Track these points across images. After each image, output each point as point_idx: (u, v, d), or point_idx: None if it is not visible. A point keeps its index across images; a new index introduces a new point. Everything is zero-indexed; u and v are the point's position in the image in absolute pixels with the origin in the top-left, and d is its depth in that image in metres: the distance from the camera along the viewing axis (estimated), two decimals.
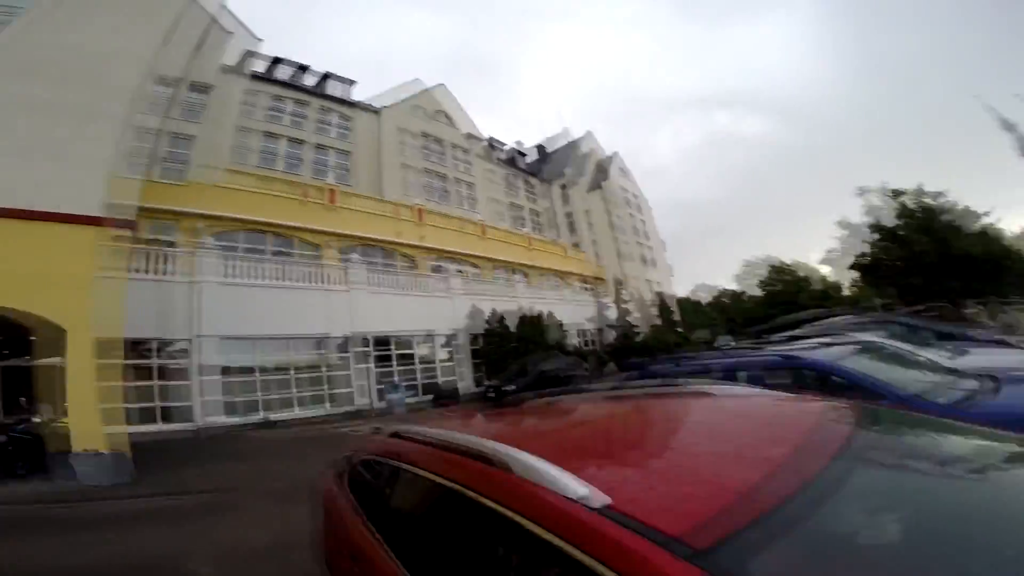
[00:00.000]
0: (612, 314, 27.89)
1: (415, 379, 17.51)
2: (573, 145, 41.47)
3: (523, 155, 39.73)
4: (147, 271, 12.20)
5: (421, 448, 1.63)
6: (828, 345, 4.76)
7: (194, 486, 7.37)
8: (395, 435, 1.96)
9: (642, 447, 1.39)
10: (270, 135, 21.60)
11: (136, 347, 11.61)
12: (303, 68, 25.28)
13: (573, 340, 23.99)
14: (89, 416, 7.69)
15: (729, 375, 4.36)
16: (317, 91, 25.13)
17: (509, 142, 38.14)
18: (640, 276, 35.41)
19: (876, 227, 23.82)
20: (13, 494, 6.80)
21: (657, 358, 12.53)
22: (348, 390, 15.56)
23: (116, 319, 8.20)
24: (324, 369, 15.34)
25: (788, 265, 42.06)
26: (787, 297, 38.67)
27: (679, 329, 32.48)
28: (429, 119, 28.96)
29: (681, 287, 47.67)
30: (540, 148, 44.50)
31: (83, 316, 7.76)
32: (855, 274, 29.36)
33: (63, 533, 5.39)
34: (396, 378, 16.73)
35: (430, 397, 17.14)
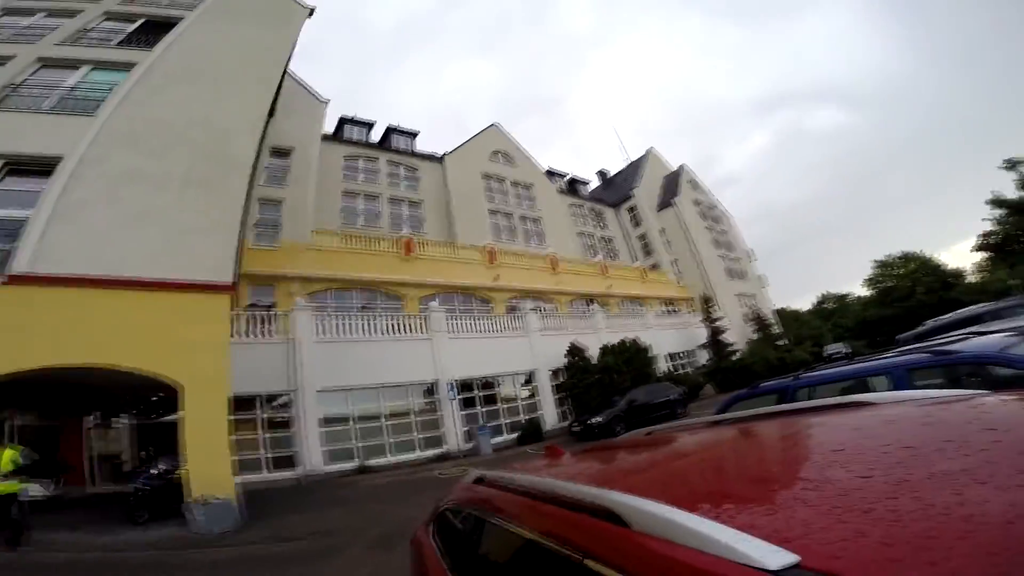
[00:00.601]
0: (702, 334, 26.01)
1: (499, 419, 17.26)
2: (635, 165, 40.73)
3: (585, 183, 39.69)
4: (250, 333, 13.27)
5: (506, 496, 1.46)
6: (974, 335, 3.91)
7: (297, 532, 7.55)
8: (479, 481, 1.83)
9: (811, 480, 0.92)
10: (349, 193, 23.29)
11: (244, 402, 12.48)
12: (368, 125, 27.53)
13: (662, 365, 22.54)
14: (202, 466, 8.18)
15: (861, 384, 3.64)
16: (385, 146, 27.08)
17: (570, 172, 38.46)
18: (728, 291, 33.00)
19: (998, 202, 20.53)
20: (130, 541, 7.24)
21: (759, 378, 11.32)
22: (436, 434, 15.70)
23: (225, 376, 8.76)
24: (412, 415, 15.59)
25: (904, 257, 37.56)
26: (902, 293, 34.35)
27: (780, 343, 29.61)
28: (489, 160, 29.84)
29: (788, 298, 44.05)
30: (602, 174, 44.25)
31: (197, 374, 8.42)
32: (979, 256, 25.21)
33: None
34: (481, 419, 16.58)
35: (515, 436, 16.78)
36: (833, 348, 28.01)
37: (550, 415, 18.20)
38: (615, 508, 0.84)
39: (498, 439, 16.28)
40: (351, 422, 14.38)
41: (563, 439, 16.07)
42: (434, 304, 17.80)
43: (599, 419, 15.09)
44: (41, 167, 9.19)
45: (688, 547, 0.68)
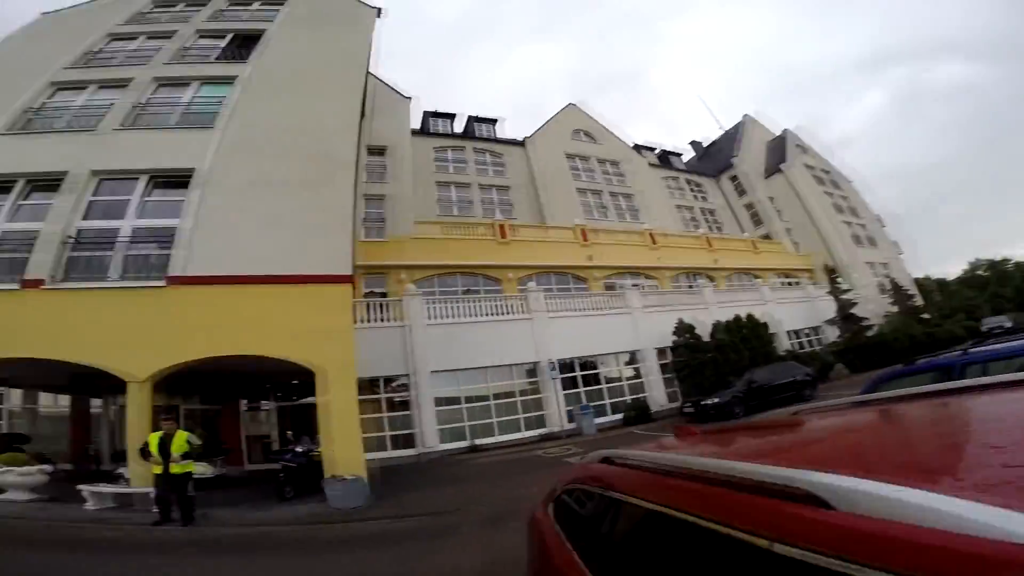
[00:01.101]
0: (829, 308, 23.25)
1: (603, 400, 16.86)
2: (731, 133, 37.66)
3: (677, 155, 37.57)
4: (369, 319, 14.24)
5: (649, 477, 1.37)
6: None
7: (415, 509, 7.86)
8: (606, 461, 1.74)
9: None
10: (442, 184, 24.21)
11: (368, 385, 13.45)
12: (451, 116, 28.44)
13: (784, 343, 20.54)
14: (337, 446, 8.79)
15: None
16: (468, 135, 27.72)
17: (659, 145, 36.59)
18: (857, 259, 29.22)
19: None
20: (279, 516, 7.80)
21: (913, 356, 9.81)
22: (539, 414, 15.74)
23: (353, 360, 9.33)
24: (516, 395, 15.75)
25: None
26: None
27: (925, 316, 25.67)
28: (571, 139, 29.32)
29: (928, 266, 38.46)
30: (695, 145, 41.61)
31: (329, 359, 9.05)
32: None
33: (310, 553, 5.93)
34: (583, 400, 16.28)
35: (619, 417, 16.31)
36: (993, 322, 23.65)
37: (658, 395, 17.43)
38: (815, 489, 0.79)
39: (602, 419, 15.95)
40: (461, 402, 14.89)
41: (673, 421, 15.30)
42: (532, 284, 17.71)
43: (715, 400, 14.16)
44: (179, 178, 10.18)
45: (924, 527, 0.61)
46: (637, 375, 17.84)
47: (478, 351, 15.22)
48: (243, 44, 13.77)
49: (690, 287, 22.74)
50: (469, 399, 15.04)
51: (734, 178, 34.18)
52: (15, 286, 8.90)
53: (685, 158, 38.99)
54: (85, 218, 9.69)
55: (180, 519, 6.99)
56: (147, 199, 10.04)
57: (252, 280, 9.23)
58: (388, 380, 14.36)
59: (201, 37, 14.19)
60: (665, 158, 36.00)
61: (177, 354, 8.66)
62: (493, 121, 29.51)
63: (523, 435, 15.18)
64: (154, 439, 6.92)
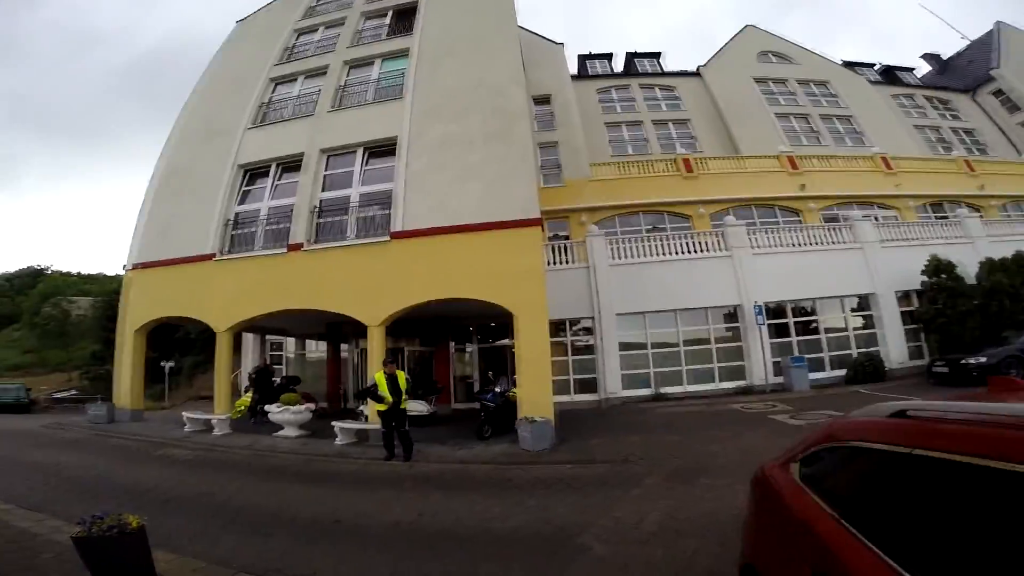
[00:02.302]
0: None
1: (820, 352, 14.47)
2: (981, 43, 29.65)
3: (909, 70, 30.04)
4: (554, 262, 14.42)
5: (986, 432, 1.16)
6: None
7: (599, 456, 7.76)
8: (899, 415, 1.55)
9: None
10: (612, 124, 23.31)
11: (554, 327, 13.49)
12: (607, 56, 27.27)
13: None
14: (530, 388, 9.23)
15: None
16: (631, 73, 26.03)
17: (877, 61, 30.00)
18: None
19: None
20: (478, 455, 8.31)
21: None
22: (738, 364, 14.28)
23: (545, 302, 9.62)
24: (712, 343, 14.52)
25: None
26: None
27: None
28: (757, 63, 25.62)
29: None
30: (932, 58, 32.74)
31: (524, 301, 9.46)
32: None
33: (500, 493, 6.13)
34: (796, 351, 14.19)
35: (840, 374, 13.80)
36: None
37: (895, 350, 14.19)
38: None
39: (817, 375, 13.77)
40: (647, 348, 14.32)
41: (913, 382, 12.53)
42: (729, 219, 15.69)
43: (981, 360, 11.13)
44: (386, 147, 11.50)
45: None
46: (868, 324, 14.79)
47: (667, 293, 14.25)
48: (402, 17, 14.64)
49: (943, 218, 17.85)
50: (656, 344, 14.36)
51: (998, 92, 26.21)
52: (283, 250, 11.18)
53: (919, 74, 30.92)
54: (323, 190, 11.61)
55: (402, 455, 7.91)
56: (366, 168, 11.58)
57: (455, 230, 10.08)
58: (572, 323, 14.52)
59: (367, 19, 15.35)
60: (890, 74, 28.81)
61: (403, 299, 9.99)
62: (655, 55, 27.13)
63: (716, 386, 14.01)
64: (382, 379, 7.87)
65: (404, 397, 7.88)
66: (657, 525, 4.63)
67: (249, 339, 19.04)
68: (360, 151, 11.76)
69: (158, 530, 4.57)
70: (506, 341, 15.15)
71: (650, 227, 18.09)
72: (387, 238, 10.53)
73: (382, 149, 11.69)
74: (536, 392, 9.15)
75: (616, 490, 5.89)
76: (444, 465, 7.68)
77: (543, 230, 10.20)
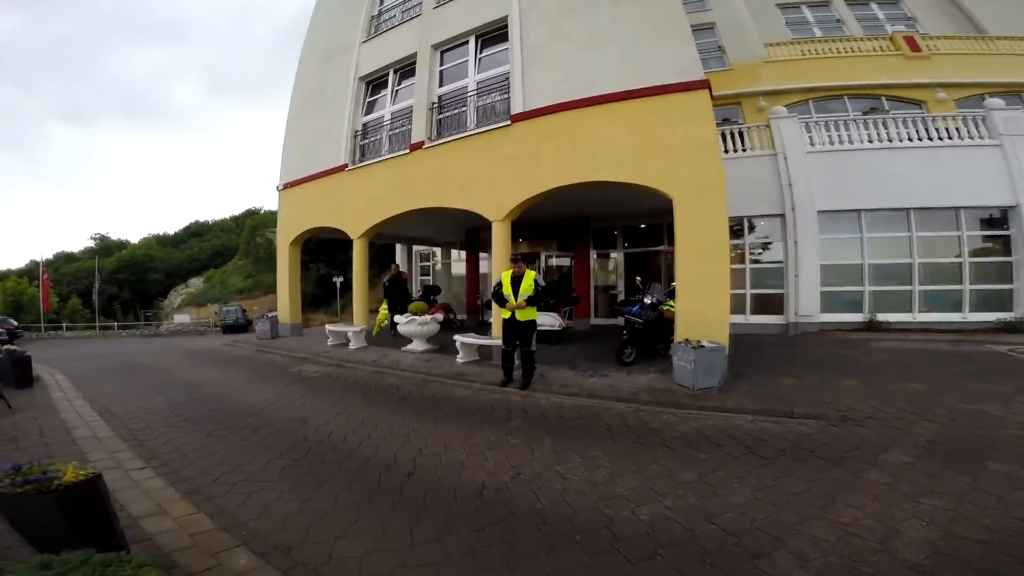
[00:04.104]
0: None
1: None
2: None
3: None
4: (728, 150, 11.36)
5: None
6: None
7: (796, 405, 5.23)
8: None
9: None
10: (786, 6, 17.43)
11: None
12: None
13: None
14: (693, 300, 6.94)
15: None
16: None
17: None
18: None
19: None
20: (614, 386, 6.44)
21: None
22: (1002, 288, 10.06)
23: (721, 180, 7.02)
24: (961, 256, 10.24)
25: None
26: None
27: None
28: None
29: None
30: None
31: (688, 180, 7.09)
32: None
33: (640, 454, 4.25)
34: None
35: None
36: None
37: None
38: None
39: None
40: (862, 257, 10.62)
41: None
42: (995, 101, 10.74)
43: None
44: (497, 30, 9.89)
45: None
46: None
47: (894, 187, 10.30)
48: None
49: None
50: (875, 253, 10.60)
51: None
52: (406, 151, 10.59)
53: None
54: (440, 86, 10.64)
55: (520, 380, 6.62)
56: (481, 56, 10.24)
57: (587, 103, 8.06)
58: (751, 224, 11.43)
59: None
60: None
61: (529, 188, 8.48)
62: None
63: (964, 318, 10.01)
64: (507, 277, 6.54)
65: (519, 300, 6.33)
66: (929, 552, 2.50)
67: (399, 251, 19.67)
68: (472, 40, 10.33)
69: (211, 470, 4.09)
70: (660, 247, 12.89)
71: (869, 108, 13.82)
72: (508, 122, 8.97)
73: (495, 33, 10.07)
74: (704, 305, 6.81)
75: (835, 469, 3.66)
76: (568, 398, 6.07)
77: (710, 94, 7.40)
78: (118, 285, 46.38)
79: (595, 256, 13.82)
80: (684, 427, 4.85)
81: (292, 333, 13.79)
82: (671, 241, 12.47)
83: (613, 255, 13.98)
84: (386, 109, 11.69)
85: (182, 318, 33.22)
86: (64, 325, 27.25)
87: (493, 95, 9.67)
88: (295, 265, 14.03)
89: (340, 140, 12.07)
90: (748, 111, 14.40)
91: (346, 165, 11.88)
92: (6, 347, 8.35)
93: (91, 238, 59.49)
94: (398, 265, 14.70)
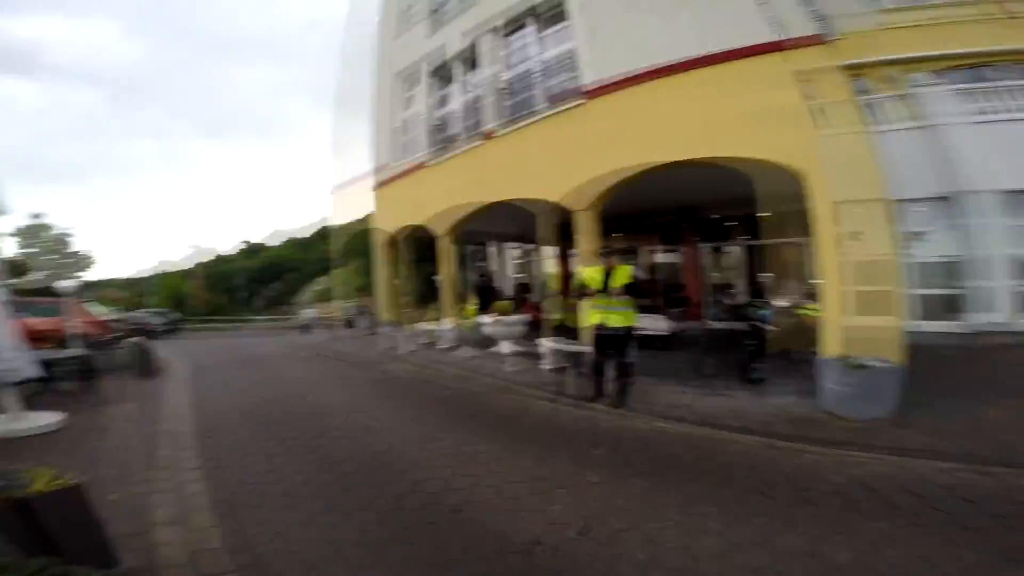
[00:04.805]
0: None
1: None
2: None
3: None
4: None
5: None
6: None
7: (1014, 451, 3.59)
8: None
9: None
10: None
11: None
12: None
13: None
14: (844, 303, 5.32)
15: None
16: None
17: None
18: None
19: None
20: (737, 410, 5.11)
21: None
22: None
23: (874, 155, 5.47)
24: None
25: None
26: None
27: None
28: None
29: None
30: None
31: (821, 154, 5.50)
32: None
33: (772, 512, 3.04)
34: None
35: None
36: None
37: None
38: None
39: None
40: None
41: None
42: None
43: None
44: (558, 5, 8.92)
45: None
46: None
47: None
48: None
49: None
50: None
51: None
52: (478, 142, 10.15)
53: None
54: (507, 70, 10.06)
55: (613, 396, 5.56)
56: (541, 35, 9.46)
57: (672, 70, 6.76)
58: (900, 209, 8.96)
59: None
60: None
61: (610, 173, 7.41)
62: None
63: None
64: (595, 275, 5.52)
65: (619, 291, 5.20)
66: None
67: (491, 250, 19.37)
68: (531, 21, 9.57)
69: (254, 479, 3.88)
70: (792, 238, 10.87)
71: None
72: (582, 101, 8.01)
73: (556, 10, 9.14)
74: (865, 310, 5.18)
75: None
76: (673, 424, 4.89)
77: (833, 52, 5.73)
78: (262, 283, 52.86)
79: (706, 250, 12.08)
80: (839, 476, 3.52)
81: (390, 330, 14.00)
82: (806, 230, 10.74)
83: (730, 249, 12.13)
84: (458, 100, 11.38)
85: (310, 312, 36.64)
86: (215, 319, 31.53)
87: (562, 74, 8.84)
88: (390, 264, 14.23)
89: (418, 136, 12.07)
90: (874, 83, 11.52)
91: (424, 162, 11.75)
92: (136, 340, 9.26)
93: (241, 243, 68.70)
94: (486, 264, 14.30)
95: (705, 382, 6.29)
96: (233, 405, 6.54)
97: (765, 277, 7.12)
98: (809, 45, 5.77)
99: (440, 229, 11.25)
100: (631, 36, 7.39)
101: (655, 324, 8.64)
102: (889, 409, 4.55)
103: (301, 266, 67.57)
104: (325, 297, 51.71)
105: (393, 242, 14.24)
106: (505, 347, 9.10)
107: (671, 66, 6.74)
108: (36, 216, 27.20)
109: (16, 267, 25.10)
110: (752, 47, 6.05)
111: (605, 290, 5.34)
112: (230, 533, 2.94)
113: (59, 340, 10.00)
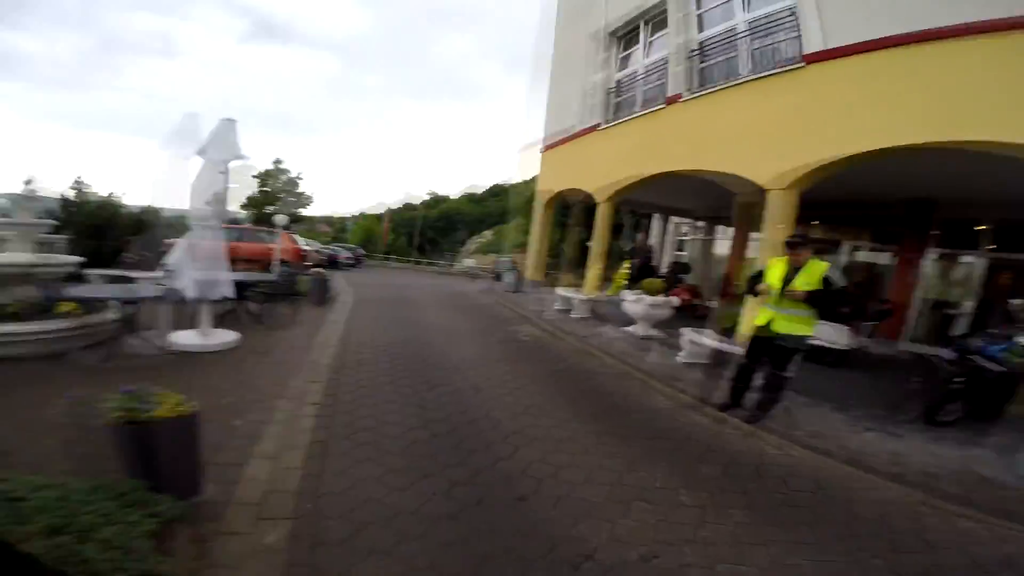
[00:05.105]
0: None
1: None
2: None
3: None
4: None
5: None
6: None
7: None
8: None
9: None
10: None
11: None
12: None
13: None
14: None
15: None
16: None
17: None
18: None
19: None
20: (895, 454, 3.99)
21: None
22: None
23: None
24: None
25: None
26: None
27: None
28: None
29: None
30: None
31: None
32: None
33: None
34: None
35: None
36: None
37: None
38: None
39: None
40: None
41: None
42: None
43: None
44: None
45: None
46: None
47: None
48: None
49: None
50: None
51: None
52: (661, 106, 9.15)
53: None
54: (700, 31, 8.73)
55: (751, 409, 4.66)
56: None
57: (934, 36, 5.05)
58: None
59: None
60: None
61: (828, 149, 6.06)
62: None
63: None
64: (777, 265, 4.53)
65: (800, 295, 4.18)
66: None
67: (656, 221, 18.10)
68: None
69: (359, 422, 3.95)
70: None
71: None
72: (800, 64, 6.55)
73: None
74: None
75: None
76: (811, 455, 3.99)
77: None
78: (436, 231, 58.54)
79: (934, 257, 9.43)
80: (1001, 550, 2.77)
81: (533, 290, 14.19)
82: None
83: (967, 259, 9.30)
84: (641, 63, 10.37)
85: (469, 262, 39.57)
86: (393, 257, 36.01)
87: (775, 34, 7.23)
88: (546, 225, 14.27)
89: (593, 99, 11.39)
90: None
91: (598, 124, 11.15)
92: (315, 270, 10.82)
93: (427, 194, 76.17)
94: (645, 235, 13.32)
95: (872, 413, 5.03)
96: (373, 342, 6.98)
97: (1018, 303, 5.13)
98: None
99: (601, 195, 10.75)
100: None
101: (833, 335, 7.11)
102: None
103: (470, 219, 73.02)
104: (486, 249, 55.24)
105: (552, 204, 14.17)
106: (641, 329, 8.43)
107: (926, 32, 5.09)
108: (276, 162, 34.61)
109: (256, 202, 32.24)
110: None
111: (783, 291, 4.34)
112: (309, 476, 2.99)
113: (266, 264, 12.28)
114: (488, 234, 68.41)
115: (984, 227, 8.89)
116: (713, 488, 3.32)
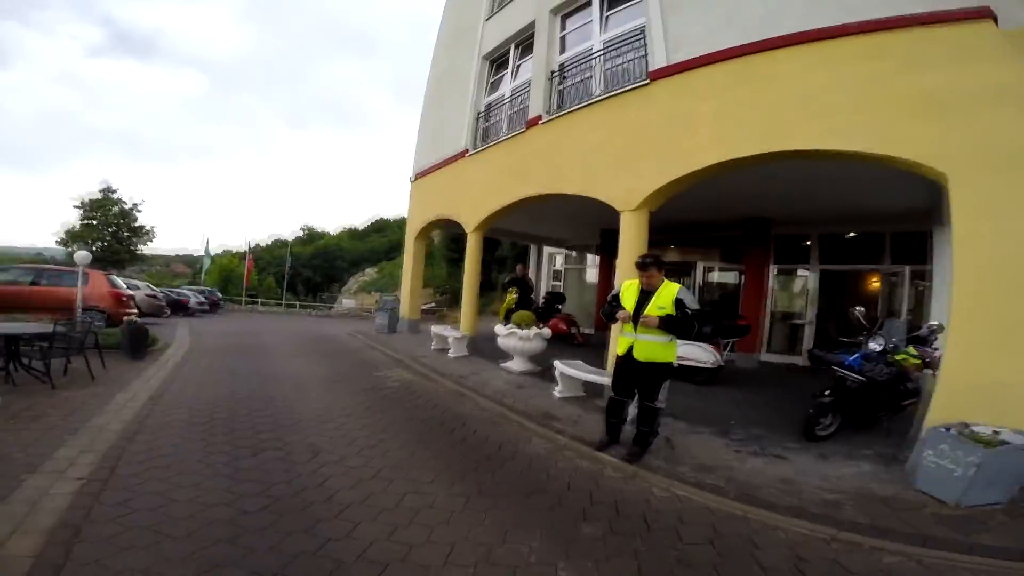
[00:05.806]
0: None
1: None
2: None
3: None
4: None
5: None
6: None
7: None
8: None
9: None
10: None
11: None
12: None
13: None
14: (963, 354, 3.81)
15: None
16: None
17: None
18: None
19: None
20: (782, 478, 3.85)
21: None
22: None
23: None
24: None
25: None
26: None
27: None
28: None
29: None
30: None
31: (977, 149, 3.96)
32: None
33: None
34: None
35: None
36: None
37: None
38: None
39: None
40: None
41: None
42: None
43: None
44: None
45: None
46: None
47: None
48: None
49: None
50: None
51: None
52: (522, 129, 8.95)
53: None
54: (561, 52, 8.84)
55: (630, 446, 4.26)
56: (607, 13, 8.12)
57: (771, 45, 5.28)
58: None
59: None
60: None
61: (674, 167, 6.00)
62: None
63: None
64: (630, 288, 4.25)
65: (652, 320, 3.91)
66: None
67: (531, 252, 18.08)
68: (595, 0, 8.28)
69: (157, 513, 2.81)
70: (880, 264, 9.22)
71: None
72: (645, 81, 6.62)
73: None
74: (1004, 365, 3.57)
75: None
76: (701, 493, 3.59)
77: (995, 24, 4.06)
78: (312, 269, 54.32)
79: (774, 272, 10.34)
80: None
81: (410, 330, 13.10)
82: (898, 258, 8.78)
83: (802, 272, 10.34)
84: (507, 86, 10.20)
85: (349, 302, 36.93)
86: (259, 300, 32.16)
87: (625, 54, 7.38)
88: (419, 259, 13.39)
89: (463, 124, 10.97)
90: None
91: (467, 150, 10.68)
92: (129, 318, 8.75)
93: (300, 228, 71.13)
94: (524, 267, 13.03)
95: (754, 433, 4.91)
96: (195, 400, 5.66)
97: (858, 311, 5.43)
98: (972, 19, 4.15)
99: (470, 224, 10.15)
100: (716, 7, 5.99)
101: (703, 355, 7.24)
102: (1008, 495, 3.24)
103: (352, 256, 69.34)
104: (370, 288, 52.49)
105: (424, 235, 13.38)
106: (518, 364, 7.90)
107: (769, 41, 5.29)
108: (105, 189, 28.13)
109: (76, 236, 26.16)
110: (892, 19, 4.51)
111: (635, 316, 4.04)
112: (44, 566, 2.20)
113: (70, 311, 9.70)
114: (372, 271, 65.39)
115: (809, 242, 9.97)
116: (599, 555, 2.66)
